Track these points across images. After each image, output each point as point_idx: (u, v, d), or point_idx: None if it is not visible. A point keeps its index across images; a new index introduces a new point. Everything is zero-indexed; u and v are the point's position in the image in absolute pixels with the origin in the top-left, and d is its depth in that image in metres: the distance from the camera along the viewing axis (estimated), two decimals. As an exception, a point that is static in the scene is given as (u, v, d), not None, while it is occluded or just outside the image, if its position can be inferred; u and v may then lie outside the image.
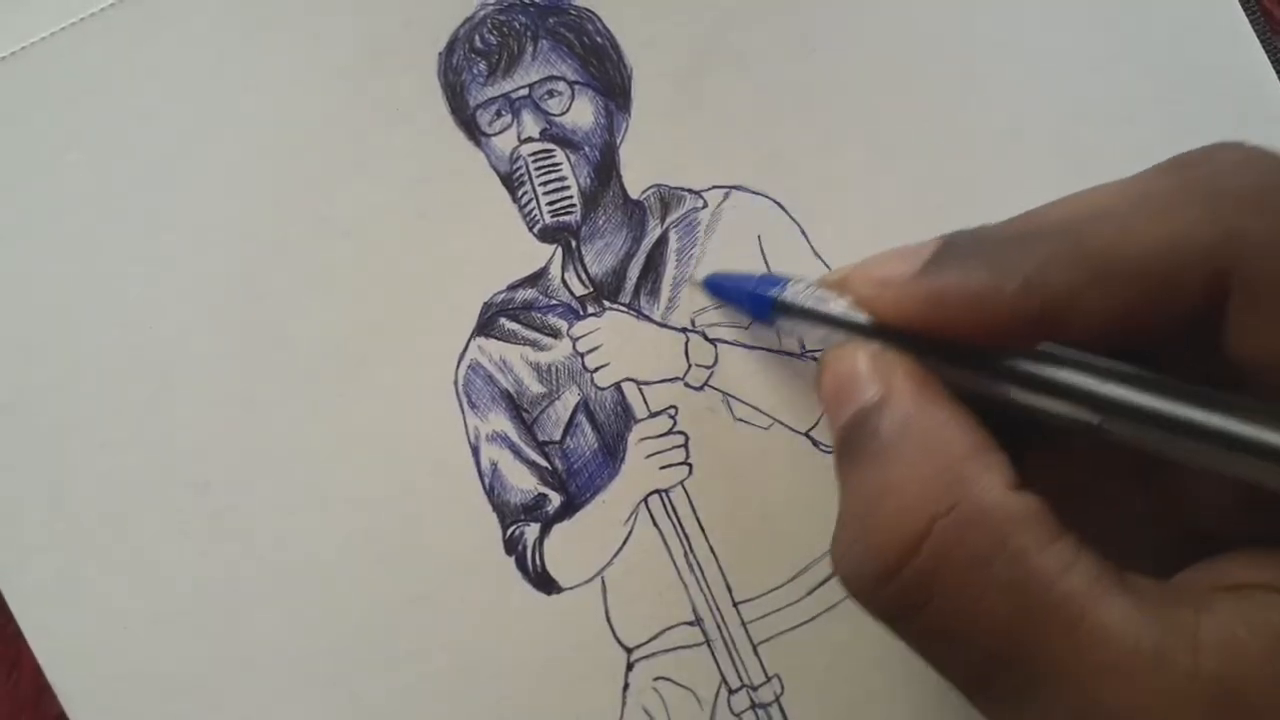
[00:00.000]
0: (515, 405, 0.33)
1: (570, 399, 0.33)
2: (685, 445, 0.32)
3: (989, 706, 0.22)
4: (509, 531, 0.32)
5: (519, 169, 0.33)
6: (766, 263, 0.33)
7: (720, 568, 0.32)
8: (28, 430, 0.33)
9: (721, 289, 0.32)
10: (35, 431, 0.33)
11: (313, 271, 0.33)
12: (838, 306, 0.26)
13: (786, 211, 0.33)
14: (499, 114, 0.33)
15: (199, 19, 0.34)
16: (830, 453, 0.32)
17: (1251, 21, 0.33)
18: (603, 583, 0.32)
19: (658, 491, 0.32)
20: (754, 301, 0.30)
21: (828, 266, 0.33)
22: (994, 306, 0.23)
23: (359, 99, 0.34)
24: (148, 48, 0.34)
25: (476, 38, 0.33)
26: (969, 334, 0.23)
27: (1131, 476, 0.25)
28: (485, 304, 0.33)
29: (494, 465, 0.32)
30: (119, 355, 0.33)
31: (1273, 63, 0.33)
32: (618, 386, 0.33)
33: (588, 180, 0.33)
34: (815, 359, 0.32)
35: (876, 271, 0.26)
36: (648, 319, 0.33)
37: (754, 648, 0.31)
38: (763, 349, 0.32)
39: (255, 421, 0.32)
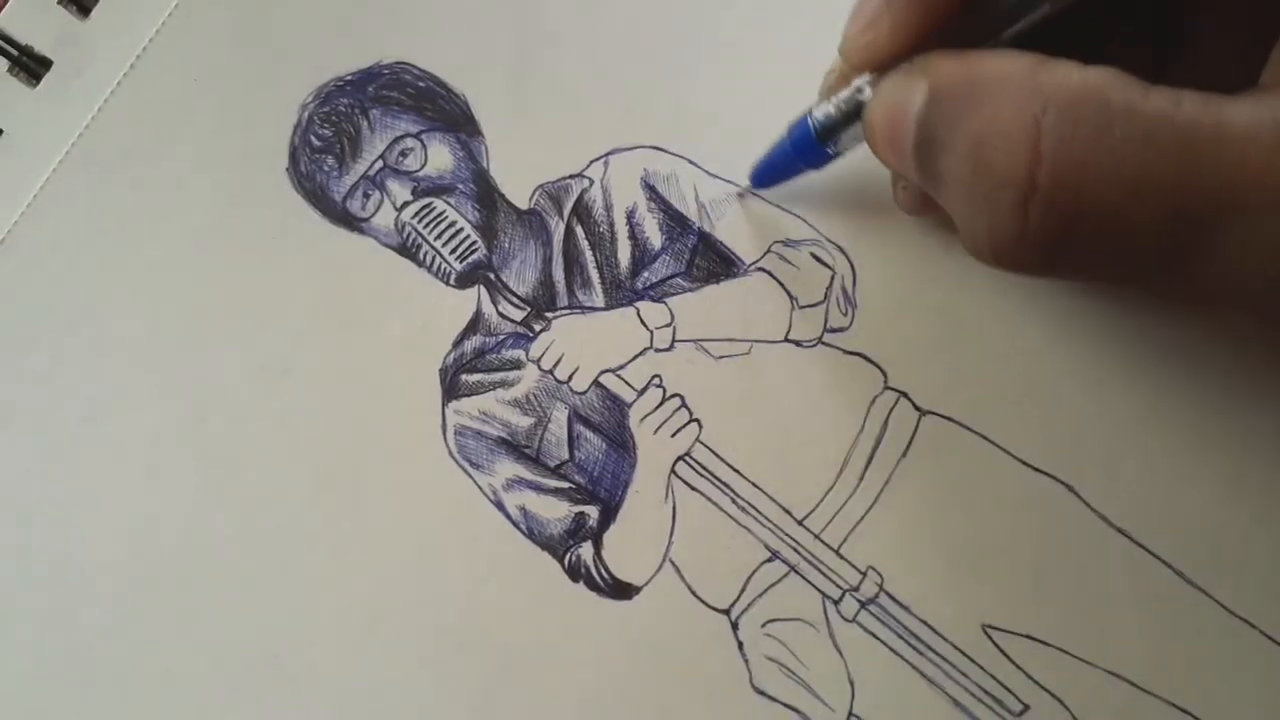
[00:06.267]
0: (514, 447, 0.33)
1: (560, 416, 0.33)
2: (684, 405, 0.32)
3: (1184, 272, 0.21)
4: (566, 561, 0.32)
5: (409, 235, 0.33)
6: (669, 203, 0.33)
7: (770, 497, 0.32)
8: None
9: (767, 173, 0.31)
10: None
11: (273, 422, 0.33)
12: (859, 83, 0.26)
13: (666, 150, 0.33)
14: (366, 195, 0.34)
15: (60, 255, 0.35)
16: (813, 346, 0.32)
17: None
18: (673, 564, 0.32)
19: (680, 458, 0.32)
20: (801, 151, 0.29)
21: (729, 183, 0.33)
22: None
23: (235, 246, 0.34)
24: (26, 289, 0.34)
25: (312, 138, 0.34)
26: None
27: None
28: (441, 370, 0.33)
29: (522, 509, 0.32)
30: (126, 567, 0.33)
31: None
32: (596, 384, 0.33)
33: (475, 214, 0.33)
34: (764, 269, 0.32)
35: (855, 26, 0.26)
36: (592, 309, 0.33)
37: (836, 553, 0.31)
38: (707, 284, 0.32)
39: (313, 585, 0.33)
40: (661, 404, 0.32)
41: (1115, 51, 0.24)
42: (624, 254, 0.33)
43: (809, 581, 0.31)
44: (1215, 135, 0.20)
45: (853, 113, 0.27)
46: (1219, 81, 0.21)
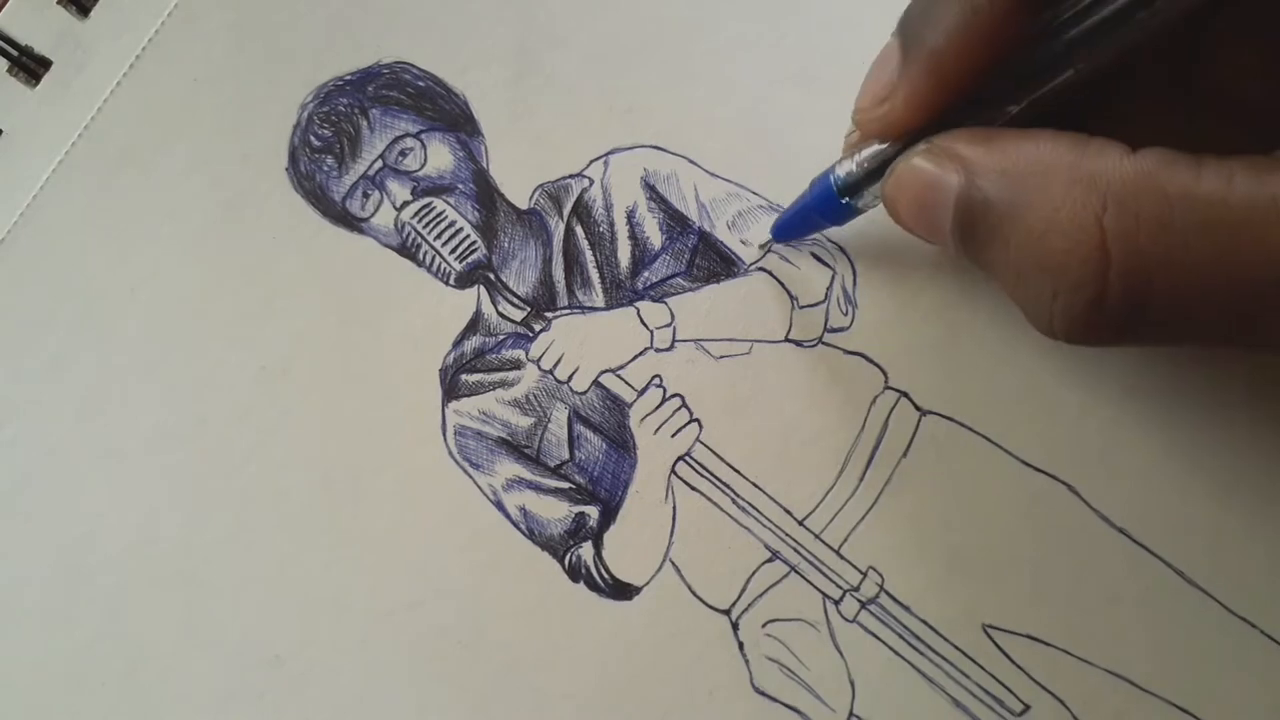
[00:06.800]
0: (514, 447, 0.33)
1: (560, 416, 0.33)
2: (684, 405, 0.32)
3: (1252, 336, 0.22)
4: (566, 561, 0.32)
5: (409, 235, 0.33)
6: (669, 203, 0.33)
7: (770, 497, 0.32)
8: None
9: (790, 226, 0.31)
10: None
11: (273, 422, 0.33)
12: (871, 150, 0.26)
13: (666, 150, 0.33)
14: (366, 195, 0.34)
15: (60, 255, 0.35)
16: (813, 346, 0.32)
17: None
18: (673, 564, 0.32)
19: (680, 458, 0.32)
20: (822, 207, 0.29)
21: (727, 181, 0.33)
22: (986, 23, 0.23)
23: (235, 246, 0.34)
24: (26, 289, 0.34)
25: (311, 138, 0.34)
26: (985, 64, 0.24)
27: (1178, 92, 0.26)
28: (441, 370, 0.33)
29: (522, 510, 0.32)
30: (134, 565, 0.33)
31: None
32: (597, 383, 0.33)
33: (475, 214, 0.33)
34: (765, 269, 0.32)
35: (867, 99, 0.26)
36: (592, 309, 0.33)
37: (837, 553, 0.31)
38: (707, 284, 0.32)
39: (314, 585, 0.33)
40: (662, 404, 0.32)
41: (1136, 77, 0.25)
42: (624, 254, 0.33)
43: (809, 582, 0.31)
44: (1272, 211, 0.20)
45: (876, 171, 0.27)
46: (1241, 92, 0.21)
